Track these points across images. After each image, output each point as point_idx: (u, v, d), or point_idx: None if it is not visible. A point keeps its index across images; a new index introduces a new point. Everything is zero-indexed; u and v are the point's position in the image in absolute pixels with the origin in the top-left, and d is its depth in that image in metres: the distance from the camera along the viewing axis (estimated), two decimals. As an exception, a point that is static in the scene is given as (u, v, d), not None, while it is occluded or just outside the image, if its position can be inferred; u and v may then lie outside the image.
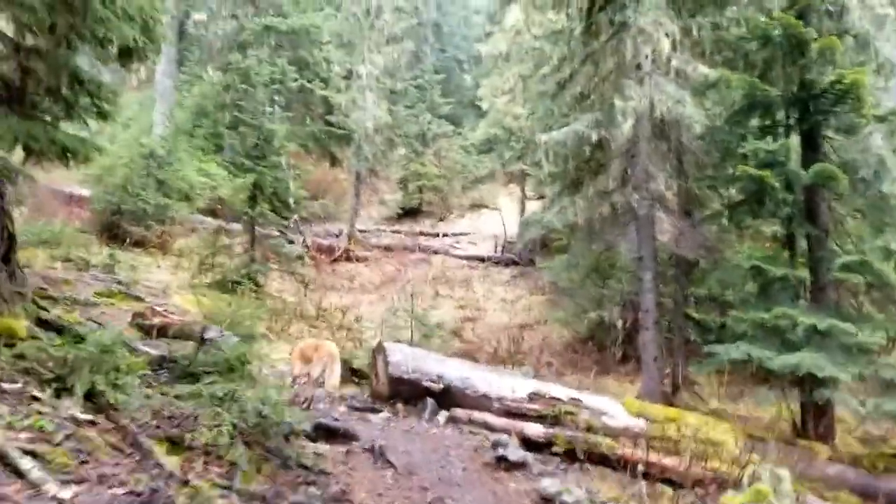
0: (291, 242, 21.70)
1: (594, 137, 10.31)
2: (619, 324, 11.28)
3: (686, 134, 10.37)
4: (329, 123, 28.22)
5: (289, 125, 30.37)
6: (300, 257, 20.79)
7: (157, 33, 13.70)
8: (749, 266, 10.09)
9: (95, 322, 10.50)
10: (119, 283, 12.61)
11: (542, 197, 22.97)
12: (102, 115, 18.99)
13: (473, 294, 19.16)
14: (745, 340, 9.89)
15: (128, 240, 18.22)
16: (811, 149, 10.73)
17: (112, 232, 18.44)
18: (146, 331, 10.53)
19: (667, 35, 9.76)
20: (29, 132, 9.11)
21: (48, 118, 12.51)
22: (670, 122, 10.18)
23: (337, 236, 23.96)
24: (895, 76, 11.85)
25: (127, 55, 13.75)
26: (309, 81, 27.95)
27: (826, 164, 10.08)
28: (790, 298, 10.49)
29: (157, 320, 10.55)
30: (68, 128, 13.71)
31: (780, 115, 10.82)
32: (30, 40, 10.45)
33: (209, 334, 7.53)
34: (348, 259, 22.11)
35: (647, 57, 10.10)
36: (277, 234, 16.90)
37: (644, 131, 10.32)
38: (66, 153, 12.25)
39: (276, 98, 29.32)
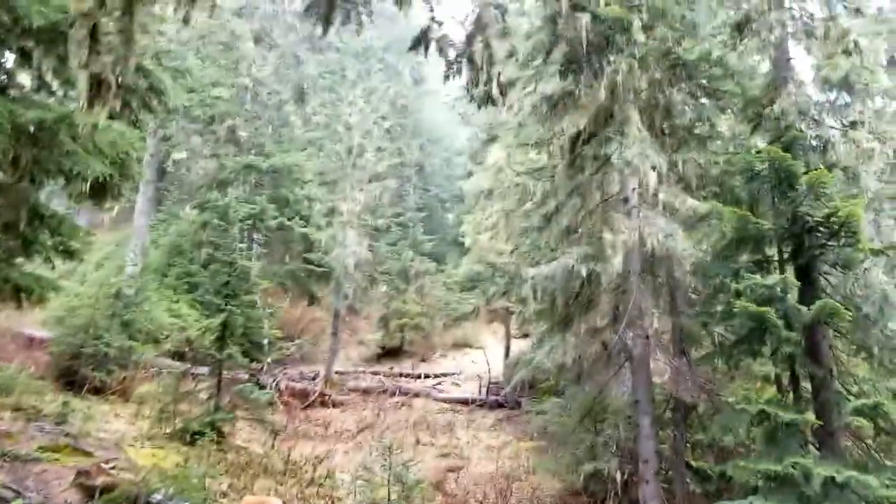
0: (262, 387, 20.61)
1: (584, 272, 9.73)
2: (618, 476, 10.20)
3: (678, 269, 9.84)
4: (308, 261, 27.83)
5: (266, 263, 30.10)
6: (270, 403, 19.70)
7: (131, 169, 13.20)
8: (756, 410, 9.24)
9: (29, 484, 9.38)
10: (68, 435, 11.46)
11: (527, 335, 22.26)
12: (68, 253, 17.97)
13: (457, 441, 17.92)
14: (758, 496, 8.87)
15: (86, 386, 17.10)
16: (807, 284, 10.19)
17: (70, 377, 17.34)
18: (89, 492, 9.38)
19: (653, 168, 9.44)
20: (-24, 270, 8.37)
21: (2, 255, 11.76)
22: (661, 256, 9.66)
23: (313, 379, 22.86)
24: (884, 211, 11.63)
25: (100, 192, 13.22)
26: (289, 219, 27.83)
27: (827, 300, 9.51)
28: (799, 445, 9.58)
29: (101, 480, 9.41)
30: (27, 266, 13.02)
31: (773, 249, 10.38)
32: (-12, 173, 9.80)
33: (155, 498, 6.55)
34: (324, 404, 20.90)
35: (633, 190, 9.76)
36: (246, 378, 15.88)
37: (634, 265, 9.78)
38: (18, 292, 11.50)
39: (256, 236, 29.18)
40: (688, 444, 10.83)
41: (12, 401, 13.88)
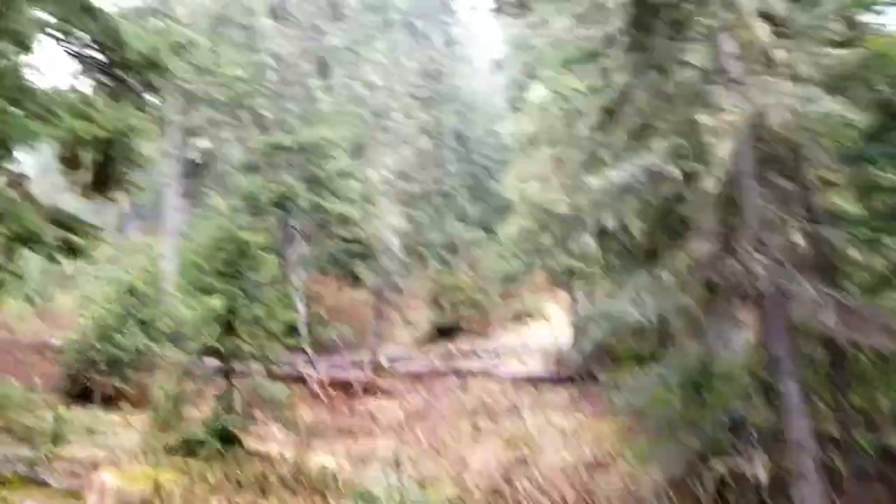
0: (302, 379, 18.27)
1: (675, 173, 6.75)
2: (761, 473, 7.08)
3: (817, 155, 6.71)
4: (347, 240, 25.32)
5: (306, 247, 27.81)
6: (314, 396, 17.43)
7: (132, 153, 12.03)
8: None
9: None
10: (33, 462, 9.10)
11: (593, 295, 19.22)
12: (72, 251, 15.45)
13: (523, 425, 15.11)
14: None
15: (98, 395, 15.03)
16: None
17: (81, 387, 15.28)
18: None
19: (762, 17, 6.39)
20: None
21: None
22: (787, 140, 6.61)
23: (359, 366, 20.39)
24: None
25: (102, 179, 12.02)
26: (323, 198, 25.33)
27: None
28: None
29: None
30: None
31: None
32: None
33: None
34: (371, 393, 18.40)
35: (733, 54, 6.75)
36: (268, 372, 13.42)
37: (745, 162, 6.73)
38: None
39: (292, 221, 26.88)
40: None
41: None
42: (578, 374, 17.52)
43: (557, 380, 17.92)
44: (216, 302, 11.71)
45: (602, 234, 10.69)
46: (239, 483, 10.11)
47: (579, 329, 18.15)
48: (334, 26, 33.70)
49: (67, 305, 22.80)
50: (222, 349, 11.54)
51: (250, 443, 11.90)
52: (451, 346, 24.09)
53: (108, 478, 8.67)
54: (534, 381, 18.01)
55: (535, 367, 19.66)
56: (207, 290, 12.29)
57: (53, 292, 25.94)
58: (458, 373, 19.43)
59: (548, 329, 20.69)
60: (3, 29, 11.00)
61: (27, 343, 18.11)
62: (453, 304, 26.21)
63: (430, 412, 16.68)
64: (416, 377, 19.53)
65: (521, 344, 23.25)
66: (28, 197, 15.85)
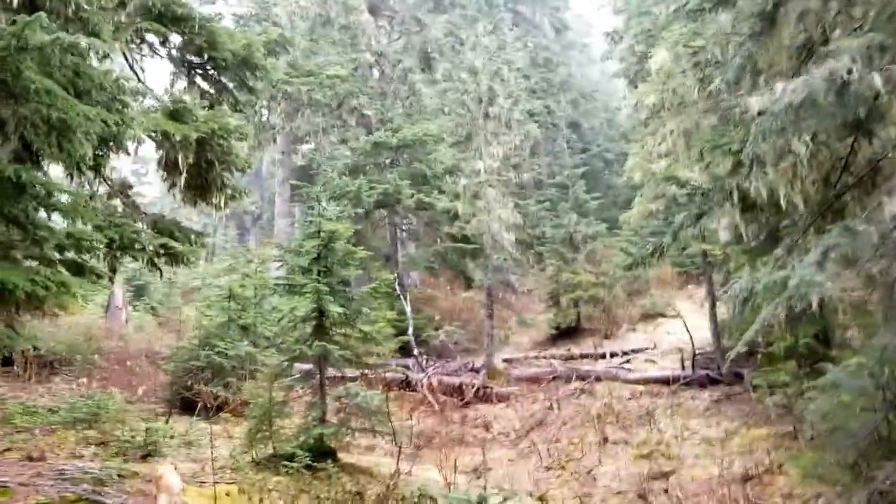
0: (411, 385, 17.07)
1: (877, 81, 4.78)
2: None
3: None
4: (455, 238, 24.04)
5: (414, 248, 26.88)
6: (422, 402, 16.20)
7: (231, 156, 11.61)
8: None
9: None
10: (100, 481, 8.22)
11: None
12: (172, 256, 14.88)
13: (660, 434, 13.14)
14: None
15: (203, 404, 14.37)
16: None
17: (184, 397, 14.71)
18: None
19: None
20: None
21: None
22: None
23: (474, 371, 18.97)
24: None
25: (202, 185, 12.02)
26: (428, 195, 24.20)
27: None
28: None
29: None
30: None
31: None
32: None
33: None
34: (485, 399, 16.89)
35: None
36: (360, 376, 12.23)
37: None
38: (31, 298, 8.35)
39: (399, 220, 26.00)
40: None
41: (95, 432, 11.26)
42: (721, 374, 15.30)
43: (696, 382, 15.74)
44: (302, 301, 10.61)
45: (747, 206, 8.72)
46: (332, 501, 8.91)
47: (721, 323, 15.92)
48: (437, 18, 32.80)
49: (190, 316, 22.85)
50: (312, 353, 10.40)
51: (346, 456, 10.71)
52: (572, 348, 22.24)
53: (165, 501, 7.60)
54: (668, 384, 15.89)
55: (669, 368, 17.52)
56: (296, 291, 11.26)
57: (178, 303, 26.28)
58: (582, 376, 17.55)
59: (681, 326, 18.42)
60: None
61: (138, 352, 17.91)
62: (573, 302, 24.30)
63: (551, 420, 14.99)
64: (535, 381, 17.82)
65: (650, 343, 21.10)
66: (130, 205, 15.62)
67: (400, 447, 10.82)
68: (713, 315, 16.24)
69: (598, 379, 17.10)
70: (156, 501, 7.55)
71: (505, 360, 20.73)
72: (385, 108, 27.47)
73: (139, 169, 47.58)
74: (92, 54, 9.88)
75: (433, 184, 25.30)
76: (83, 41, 7.82)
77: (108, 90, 9.60)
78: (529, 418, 15.30)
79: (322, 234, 10.98)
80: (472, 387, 17.13)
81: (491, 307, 19.92)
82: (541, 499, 10.84)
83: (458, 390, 17.22)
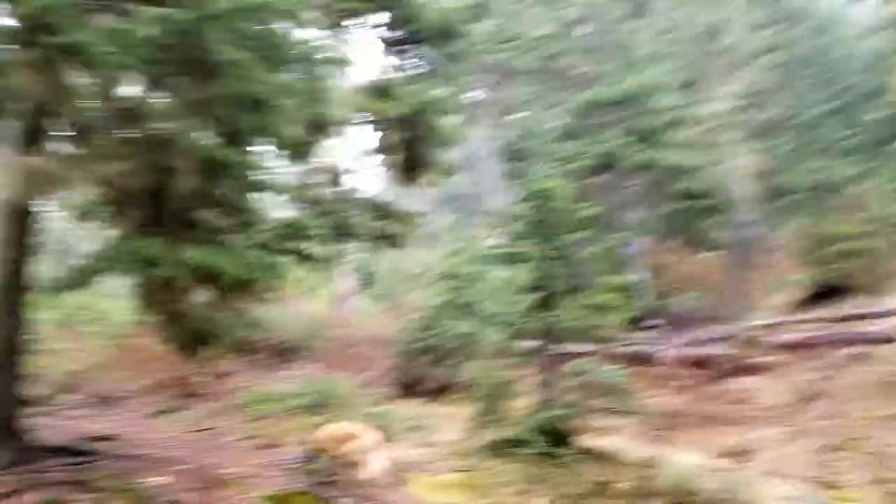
0: (645, 359, 15.51)
1: None
2: None
3: None
4: (687, 195, 21.74)
5: (641, 210, 25.00)
6: (669, 379, 14.67)
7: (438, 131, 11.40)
8: None
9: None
10: (329, 472, 7.84)
11: None
12: (386, 238, 14.86)
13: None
14: None
15: (428, 387, 14.09)
16: None
17: (411, 379, 14.54)
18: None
19: None
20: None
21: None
22: None
23: (719, 340, 16.86)
24: None
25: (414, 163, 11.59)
26: (650, 152, 22.12)
27: None
28: None
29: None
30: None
31: None
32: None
33: None
34: (737, 372, 14.85)
35: None
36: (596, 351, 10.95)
37: None
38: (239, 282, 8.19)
39: (624, 185, 24.25)
40: None
41: (325, 418, 11.26)
42: None
43: None
44: (524, 271, 9.62)
45: None
46: (573, 495, 7.82)
47: None
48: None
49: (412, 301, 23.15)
50: (537, 327, 9.39)
51: (584, 440, 9.57)
52: (835, 309, 19.07)
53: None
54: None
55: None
56: (516, 260, 10.31)
57: (400, 289, 26.77)
58: (853, 340, 14.79)
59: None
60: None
61: (364, 338, 18.15)
62: (832, 257, 20.91)
63: (824, 392, 12.68)
64: (796, 349, 15.33)
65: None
66: (345, 190, 15.72)
67: (649, 429, 9.44)
68: None
69: (874, 343, 14.26)
70: (366, 468, 7.16)
71: (756, 326, 18.27)
72: (598, 63, 25.68)
73: (351, 158, 49.81)
74: (290, 27, 9.63)
75: (657, 139, 23.19)
76: (275, 4, 7.36)
77: (308, 62, 9.28)
78: (798, 391, 13.08)
79: (538, 196, 9.91)
80: (722, 358, 15.15)
81: (735, 268, 17.62)
82: (830, 486, 8.89)
83: (705, 362, 15.34)
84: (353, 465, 7.39)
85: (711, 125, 17.66)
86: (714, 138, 17.68)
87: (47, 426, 11.33)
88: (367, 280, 27.39)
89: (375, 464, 7.38)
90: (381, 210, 14.71)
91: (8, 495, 6.03)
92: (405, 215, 14.97)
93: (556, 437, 8.80)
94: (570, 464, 8.22)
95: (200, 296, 9.37)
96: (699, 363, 15.58)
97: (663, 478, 8.15)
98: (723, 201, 18.30)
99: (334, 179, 15.61)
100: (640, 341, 15.84)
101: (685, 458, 9.74)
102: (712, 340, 17.11)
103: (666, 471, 8.06)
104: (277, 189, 10.71)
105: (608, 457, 9.32)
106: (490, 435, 9.38)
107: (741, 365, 15.16)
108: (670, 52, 22.70)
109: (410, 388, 14.18)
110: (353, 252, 14.39)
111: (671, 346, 16.00)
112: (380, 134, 14.53)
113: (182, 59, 7.01)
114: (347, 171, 16.53)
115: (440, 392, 13.72)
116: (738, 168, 17.79)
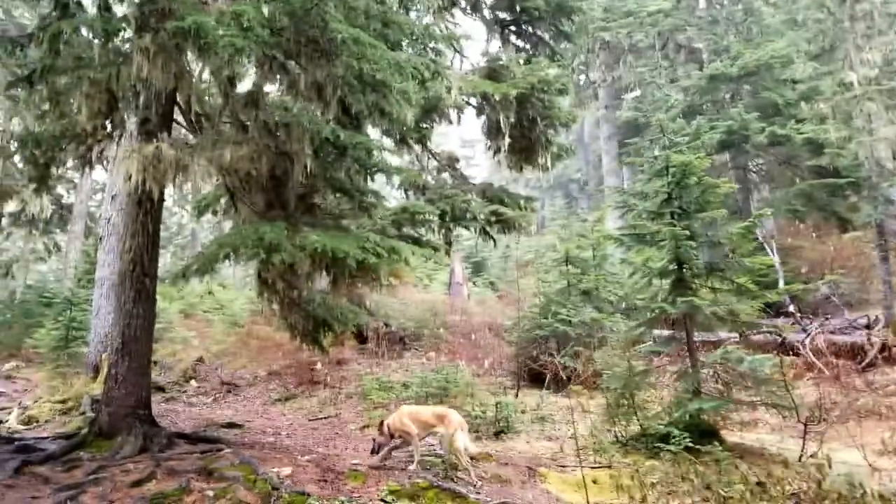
0: (789, 349, 14.32)
1: None
2: None
3: None
4: (823, 173, 20.06)
5: (769, 190, 23.49)
6: (808, 369, 13.51)
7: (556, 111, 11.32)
8: None
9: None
10: (452, 465, 7.48)
11: None
12: (502, 223, 14.60)
13: None
14: None
15: (550, 377, 13.50)
16: None
17: (532, 369, 14.00)
18: None
19: None
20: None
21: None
22: None
23: (867, 328, 15.39)
24: None
25: (529, 148, 11.95)
26: (781, 127, 20.54)
27: None
28: None
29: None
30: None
31: None
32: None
33: None
34: (889, 361, 13.47)
35: None
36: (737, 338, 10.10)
37: None
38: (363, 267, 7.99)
39: (753, 163, 22.81)
40: None
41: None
42: None
43: None
44: (656, 253, 8.93)
45: None
46: (733, 499, 7.09)
47: None
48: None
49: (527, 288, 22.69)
50: (675, 311, 8.67)
51: (728, 434, 8.79)
52: None
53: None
54: None
55: None
56: (647, 241, 9.60)
57: (515, 276, 26.30)
58: None
59: None
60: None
61: (481, 325, 17.78)
62: None
63: None
64: (958, 337, 13.78)
65: None
66: (458, 176, 15.37)
67: (805, 424, 8.53)
68: None
69: None
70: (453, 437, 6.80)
71: (905, 313, 16.60)
72: (718, 36, 24.15)
73: (466, 153, 49.66)
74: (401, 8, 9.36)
75: (787, 113, 21.54)
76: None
77: (420, 40, 8.95)
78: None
79: (672, 170, 9.17)
80: (873, 346, 13.78)
81: (885, 248, 16.03)
82: None
83: (853, 351, 14.00)
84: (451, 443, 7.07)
85: (855, 93, 16.05)
86: (858, 107, 16.08)
87: (174, 412, 11.69)
88: (480, 269, 27.04)
89: (460, 442, 7.05)
90: (494, 195, 14.30)
91: (139, 483, 6.03)
92: (519, 200, 14.49)
93: (701, 432, 8.07)
94: (721, 461, 7.48)
95: (319, 283, 9.30)
96: (843, 352, 14.24)
97: (832, 480, 7.25)
98: (865, 177, 16.68)
99: (449, 164, 15.34)
100: (776, 329, 14.64)
101: (841, 455, 8.80)
102: (854, 327, 15.67)
103: (834, 472, 7.16)
104: (394, 173, 10.45)
105: (756, 452, 8.51)
106: (626, 429, 8.76)
107: (890, 354, 13.76)
108: (803, 18, 20.97)
109: (532, 377, 13.66)
110: (469, 238, 13.95)
111: (811, 334, 14.71)
112: (493, 117, 14.10)
113: (298, 40, 6.82)
114: (458, 161, 16.23)
115: (563, 382, 13.12)
116: (882, 141, 16.11)
